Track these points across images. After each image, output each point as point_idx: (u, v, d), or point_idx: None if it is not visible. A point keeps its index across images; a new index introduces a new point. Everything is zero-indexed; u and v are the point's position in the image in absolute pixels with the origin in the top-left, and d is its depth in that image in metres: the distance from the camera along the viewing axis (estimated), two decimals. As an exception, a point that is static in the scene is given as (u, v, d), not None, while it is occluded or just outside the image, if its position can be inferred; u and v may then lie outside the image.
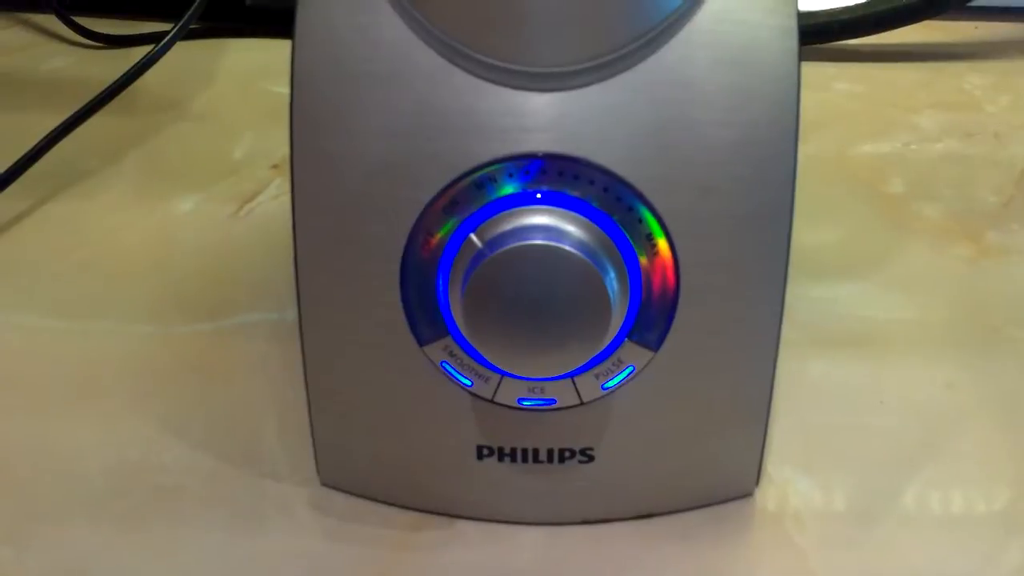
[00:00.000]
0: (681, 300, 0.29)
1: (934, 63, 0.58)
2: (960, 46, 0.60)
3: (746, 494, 0.33)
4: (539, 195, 0.28)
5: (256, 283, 0.42)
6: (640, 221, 0.28)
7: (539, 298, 0.27)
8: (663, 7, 0.27)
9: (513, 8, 0.27)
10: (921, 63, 0.58)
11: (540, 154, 0.28)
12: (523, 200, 0.28)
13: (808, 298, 0.41)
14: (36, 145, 0.47)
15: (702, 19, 0.27)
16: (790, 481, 0.34)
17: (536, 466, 0.32)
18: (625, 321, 0.29)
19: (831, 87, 0.55)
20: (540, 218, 0.27)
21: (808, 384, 0.37)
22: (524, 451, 0.31)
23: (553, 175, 0.28)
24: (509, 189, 0.28)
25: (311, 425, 0.32)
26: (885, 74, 0.58)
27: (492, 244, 0.27)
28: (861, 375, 0.38)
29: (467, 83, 0.28)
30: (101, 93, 0.49)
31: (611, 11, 0.27)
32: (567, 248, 0.27)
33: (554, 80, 0.27)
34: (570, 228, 0.27)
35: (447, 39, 0.27)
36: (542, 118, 0.28)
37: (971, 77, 0.57)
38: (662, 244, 0.28)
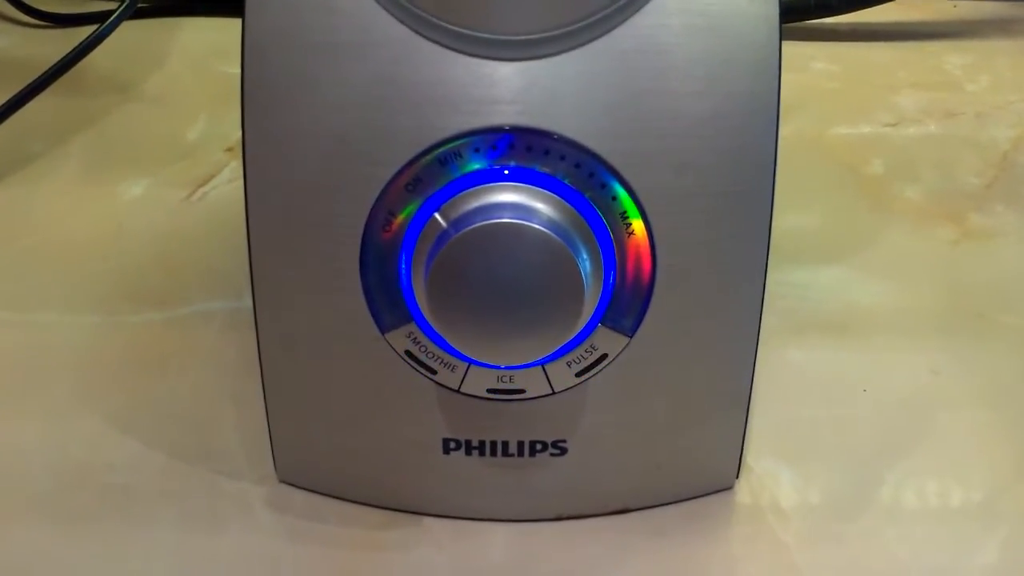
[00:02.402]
0: (657, 283, 0.28)
1: (912, 42, 0.58)
2: (938, 25, 0.60)
3: (726, 487, 0.32)
4: (507, 171, 0.27)
5: (210, 270, 0.41)
6: (614, 199, 0.27)
7: (508, 280, 0.26)
8: (636, -30, 0.26)
9: (478, -30, 0.26)
10: (899, 42, 0.58)
11: (508, 127, 0.26)
12: (490, 177, 0.27)
13: (787, 283, 0.40)
14: (-24, 128, 0.45)
15: (677, -17, 0.26)
16: (771, 473, 0.33)
17: (506, 460, 0.30)
18: (599, 305, 0.28)
19: (808, 67, 0.55)
20: (508, 195, 0.26)
21: (788, 372, 0.37)
22: (493, 444, 0.30)
23: (521, 150, 0.27)
24: (475, 165, 0.27)
25: (268, 419, 0.31)
26: (863, 53, 0.57)
27: (457, 223, 0.26)
28: (843, 363, 0.37)
29: (430, 52, 0.26)
30: (45, 73, 0.47)
31: (581, -26, 0.26)
32: (537, 227, 0.26)
33: (522, 48, 0.26)
34: (540, 206, 0.26)
35: (408, 5, 0.26)
36: (510, 89, 0.26)
37: (950, 56, 0.57)
38: (637, 223, 0.27)
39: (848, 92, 0.53)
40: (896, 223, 0.44)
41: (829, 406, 0.35)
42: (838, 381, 0.36)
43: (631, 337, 0.28)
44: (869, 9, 0.56)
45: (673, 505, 0.32)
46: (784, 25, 0.27)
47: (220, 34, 0.58)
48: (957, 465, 0.33)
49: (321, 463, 0.32)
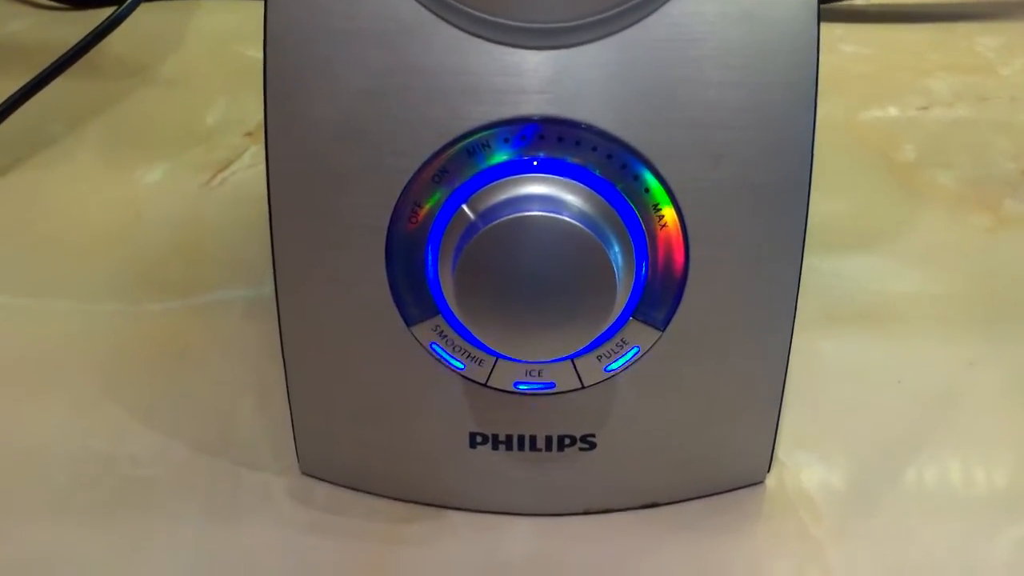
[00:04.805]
0: (690, 276, 0.27)
1: (944, 24, 0.57)
2: (970, 6, 0.59)
3: (756, 482, 0.32)
4: (536, 162, 0.26)
5: (230, 257, 0.41)
6: (646, 190, 0.26)
7: (537, 274, 0.25)
8: (671, -44, 0.25)
9: (508, -44, 0.25)
10: (930, 24, 0.57)
11: (537, 117, 0.26)
12: (519, 168, 0.26)
13: (818, 271, 0.39)
14: (-5, 111, 0.45)
15: (712, -31, 0.26)
16: (803, 468, 0.32)
17: (533, 454, 0.30)
18: (630, 299, 0.27)
19: (838, 49, 0.54)
20: (538, 187, 0.26)
21: (821, 363, 0.36)
22: (521, 438, 0.30)
23: (551, 140, 0.26)
24: (504, 156, 0.26)
25: (290, 411, 0.31)
26: (893, 35, 0.56)
27: (486, 216, 0.25)
28: (877, 353, 0.37)
29: (457, 40, 0.26)
30: (63, 56, 0.47)
31: (614, -40, 0.25)
32: (567, 219, 0.25)
33: (552, 36, 0.26)
34: (570, 198, 0.26)
35: (435, -9, 0.26)
36: (539, 78, 0.26)
37: (983, 38, 0.55)
38: (670, 215, 0.27)
39: (879, 75, 0.52)
40: (929, 210, 0.43)
41: (862, 398, 0.35)
42: (872, 372, 0.36)
43: (663, 331, 0.28)
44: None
45: (702, 500, 0.31)
46: (815, 6, 0.26)
47: (238, 15, 0.57)
48: (993, 459, 0.33)
49: (344, 456, 0.31)
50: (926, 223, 0.43)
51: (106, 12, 0.49)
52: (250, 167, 0.46)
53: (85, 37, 0.48)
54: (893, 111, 0.50)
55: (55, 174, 0.46)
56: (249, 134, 0.48)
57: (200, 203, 0.44)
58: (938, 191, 0.44)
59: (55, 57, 0.47)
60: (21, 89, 0.46)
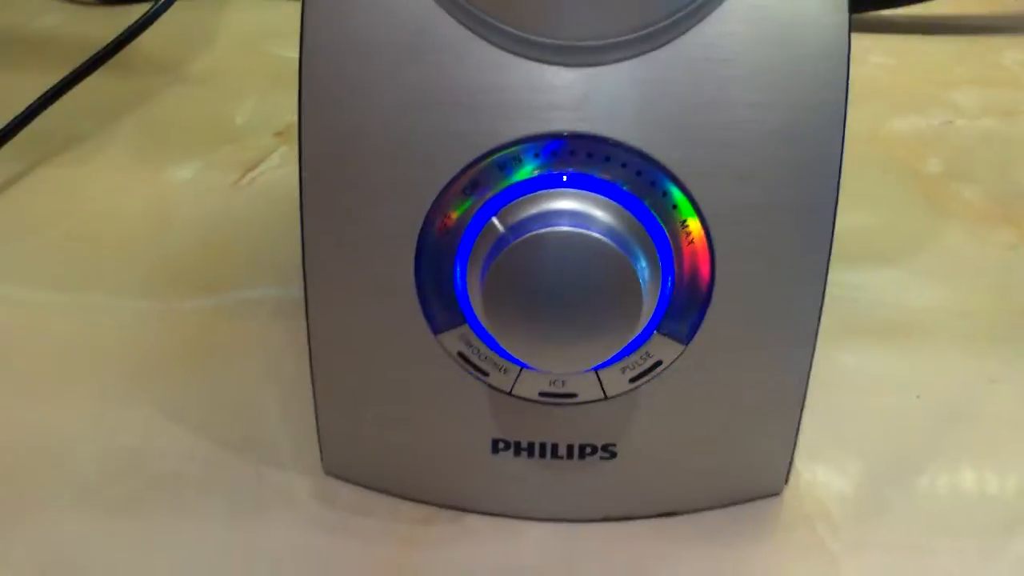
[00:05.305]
0: (715, 292, 0.28)
1: (971, 36, 0.57)
2: (997, 19, 0.58)
3: (774, 493, 0.32)
4: (565, 177, 0.26)
5: (259, 256, 0.41)
6: (674, 207, 0.27)
7: (565, 288, 0.25)
8: (703, -23, 0.25)
9: (542, -25, 0.25)
10: (957, 36, 0.57)
11: (567, 133, 0.26)
12: (548, 183, 0.26)
13: (841, 284, 0.39)
14: (28, 107, 0.45)
15: (745, -9, 0.26)
16: (820, 479, 0.32)
17: (554, 462, 0.30)
18: (655, 313, 0.27)
19: (865, 60, 0.54)
20: (567, 202, 0.26)
21: (841, 376, 0.36)
22: (542, 446, 0.30)
23: (581, 156, 0.26)
24: (534, 170, 0.26)
25: (316, 412, 0.31)
26: (920, 47, 0.56)
27: (515, 229, 0.26)
28: (897, 368, 0.37)
29: (490, 56, 0.26)
30: (97, 53, 0.47)
31: (647, -19, 0.25)
32: (595, 235, 0.25)
33: (584, 54, 0.26)
34: (599, 213, 0.26)
35: (469, 7, 0.26)
36: (571, 95, 0.26)
37: (1010, 52, 0.55)
38: (697, 232, 0.27)
39: (905, 86, 0.52)
40: (953, 225, 0.43)
41: (881, 412, 0.35)
42: (891, 386, 0.36)
43: (687, 345, 0.28)
44: (928, 2, 0.55)
45: (720, 510, 0.31)
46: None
47: (269, 14, 0.57)
48: (1012, 475, 0.33)
49: (367, 458, 0.31)
50: (950, 238, 0.42)
51: (137, 8, 0.49)
52: (279, 167, 0.46)
53: (120, 34, 0.48)
54: (919, 123, 0.49)
55: (87, 170, 0.46)
56: (279, 134, 0.48)
57: (230, 202, 0.44)
58: (962, 206, 0.44)
59: (86, 53, 0.47)
60: (55, 85, 0.46)
